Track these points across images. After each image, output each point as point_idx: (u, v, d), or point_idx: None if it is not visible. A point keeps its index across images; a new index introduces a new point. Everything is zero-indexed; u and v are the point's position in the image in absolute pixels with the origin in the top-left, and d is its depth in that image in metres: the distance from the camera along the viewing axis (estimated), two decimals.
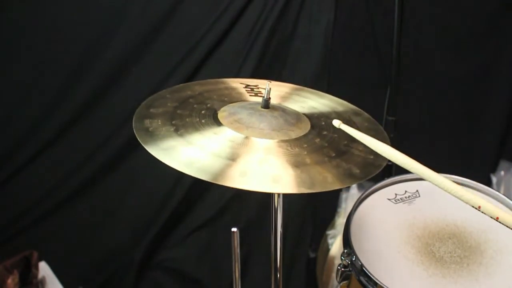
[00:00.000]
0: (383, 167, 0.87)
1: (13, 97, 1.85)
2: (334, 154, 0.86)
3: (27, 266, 1.55)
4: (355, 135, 0.85)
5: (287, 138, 0.88)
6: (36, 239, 1.83)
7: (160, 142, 0.83)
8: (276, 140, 0.87)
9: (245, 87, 1.05)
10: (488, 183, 1.93)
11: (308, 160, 0.83)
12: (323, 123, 0.96)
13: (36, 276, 1.55)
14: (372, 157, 0.88)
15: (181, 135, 0.85)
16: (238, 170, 0.79)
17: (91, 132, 1.89)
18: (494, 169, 1.98)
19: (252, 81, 1.09)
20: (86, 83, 1.83)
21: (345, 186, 0.80)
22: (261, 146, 0.85)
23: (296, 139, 0.88)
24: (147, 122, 0.88)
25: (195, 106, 0.95)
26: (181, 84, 1.06)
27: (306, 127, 0.93)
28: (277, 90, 1.07)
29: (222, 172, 0.78)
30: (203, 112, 0.93)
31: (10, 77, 1.84)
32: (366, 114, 1.04)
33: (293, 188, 0.78)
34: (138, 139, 0.84)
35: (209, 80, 1.09)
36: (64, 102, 1.85)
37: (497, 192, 1.12)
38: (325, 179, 0.80)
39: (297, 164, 0.82)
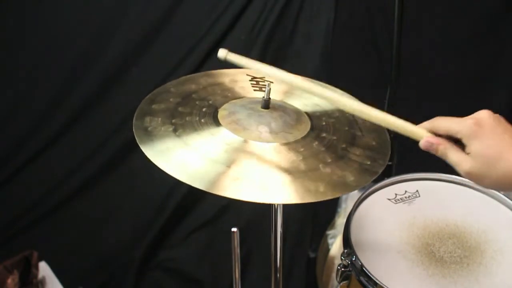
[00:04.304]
0: (378, 174, 0.85)
1: (13, 97, 1.86)
2: (330, 160, 0.85)
3: (27, 266, 1.54)
4: (243, 63, 0.86)
5: (284, 142, 0.86)
6: (36, 239, 1.83)
7: (157, 143, 0.82)
8: (272, 144, 0.85)
9: (251, 80, 1.03)
10: None
11: (302, 167, 0.81)
12: (324, 123, 0.94)
13: (36, 276, 1.55)
14: (369, 162, 0.86)
15: (178, 136, 0.84)
16: (231, 178, 0.77)
17: (91, 133, 1.89)
18: None
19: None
20: (86, 83, 1.83)
21: (337, 196, 0.78)
22: (257, 150, 0.83)
23: (293, 142, 0.87)
24: (147, 120, 0.87)
25: (197, 102, 0.94)
26: (187, 76, 1.04)
27: (305, 128, 0.91)
28: (282, 84, 1.05)
29: (214, 180, 0.77)
30: (204, 109, 0.92)
31: (10, 77, 1.84)
32: None
33: (283, 198, 0.77)
34: (136, 138, 0.83)
35: (216, 71, 1.07)
36: (64, 103, 1.85)
37: (497, 192, 1.12)
38: (317, 189, 0.78)
39: (290, 171, 0.80)
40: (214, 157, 0.81)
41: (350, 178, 0.82)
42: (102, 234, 1.90)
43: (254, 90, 1.01)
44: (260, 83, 1.03)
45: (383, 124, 0.82)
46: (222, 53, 0.86)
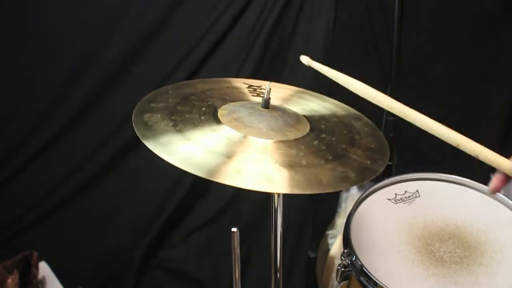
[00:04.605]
0: (379, 172, 0.86)
1: (14, 97, 1.86)
2: (331, 157, 0.86)
3: (27, 266, 1.54)
4: (325, 71, 0.87)
5: (285, 139, 0.87)
6: (36, 239, 1.83)
7: (158, 137, 0.83)
8: (273, 140, 0.86)
9: (248, 87, 1.05)
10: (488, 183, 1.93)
11: (304, 162, 0.83)
12: (323, 126, 0.95)
13: (36, 276, 1.55)
14: (369, 162, 0.87)
15: (179, 131, 0.85)
16: (233, 168, 0.78)
17: (91, 133, 1.89)
18: (494, 169, 1.97)
19: (255, 82, 1.09)
20: (86, 83, 1.83)
21: (339, 190, 0.79)
22: (258, 145, 0.85)
23: (294, 140, 0.88)
24: (146, 116, 0.88)
25: (196, 103, 0.95)
26: (184, 81, 1.06)
27: (305, 129, 0.92)
28: (279, 92, 1.06)
29: (217, 169, 0.78)
30: (203, 109, 0.93)
31: (11, 77, 1.84)
32: (366, 118, 1.04)
33: (286, 188, 0.78)
34: (136, 132, 0.84)
35: (212, 79, 1.09)
36: (64, 102, 1.85)
37: (497, 192, 1.11)
38: (319, 182, 0.79)
39: (292, 165, 0.81)
40: (215, 149, 0.82)
41: (351, 174, 0.83)
42: (102, 234, 1.90)
43: (252, 95, 1.02)
44: (257, 90, 1.04)
45: (468, 151, 0.81)
46: (305, 59, 0.90)
